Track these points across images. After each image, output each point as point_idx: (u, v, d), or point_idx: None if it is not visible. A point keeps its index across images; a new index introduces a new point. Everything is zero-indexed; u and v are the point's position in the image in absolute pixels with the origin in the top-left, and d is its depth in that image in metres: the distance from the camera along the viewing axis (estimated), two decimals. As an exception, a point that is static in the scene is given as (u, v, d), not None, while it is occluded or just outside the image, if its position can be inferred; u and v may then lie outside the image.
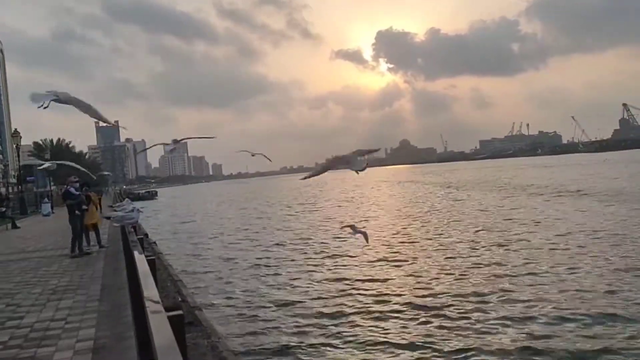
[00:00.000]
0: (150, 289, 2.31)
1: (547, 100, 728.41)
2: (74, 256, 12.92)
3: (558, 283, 13.25)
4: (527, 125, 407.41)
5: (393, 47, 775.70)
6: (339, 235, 25.13)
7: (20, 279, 10.42)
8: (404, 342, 9.88)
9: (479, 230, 23.90)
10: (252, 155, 7.00)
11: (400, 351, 9.47)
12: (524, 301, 11.83)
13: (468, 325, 10.51)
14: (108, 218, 4.00)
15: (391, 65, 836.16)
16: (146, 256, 3.65)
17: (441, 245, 20.66)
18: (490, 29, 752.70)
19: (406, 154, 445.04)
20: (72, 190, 13.32)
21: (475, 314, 11.14)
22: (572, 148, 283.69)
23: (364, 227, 8.35)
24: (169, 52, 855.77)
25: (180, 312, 1.96)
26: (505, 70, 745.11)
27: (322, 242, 24.05)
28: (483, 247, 19.26)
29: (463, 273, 15.18)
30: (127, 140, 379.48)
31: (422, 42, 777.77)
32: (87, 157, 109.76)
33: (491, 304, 11.83)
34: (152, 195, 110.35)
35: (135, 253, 3.71)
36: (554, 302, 11.55)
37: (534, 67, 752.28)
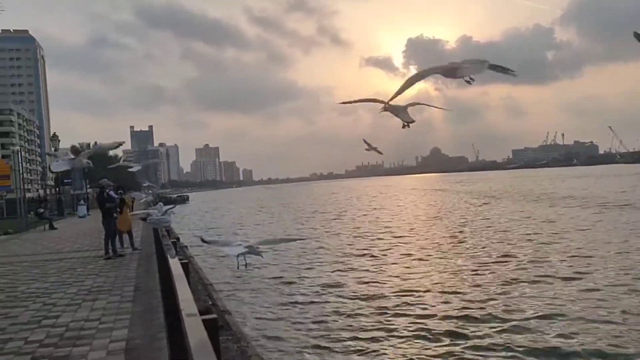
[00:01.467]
0: (184, 292, 2.34)
1: (583, 109, 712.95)
2: (107, 258, 13.21)
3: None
4: (562, 134, 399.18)
5: (424, 54, 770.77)
6: (373, 244, 25.05)
7: (56, 278, 10.70)
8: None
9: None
10: (367, 150, 6.42)
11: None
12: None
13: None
14: (144, 219, 4.04)
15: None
16: (179, 259, 3.70)
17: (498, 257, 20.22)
18: (524, 37, 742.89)
19: (437, 162, 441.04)
20: (112, 193, 13.71)
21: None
22: (609, 159, 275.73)
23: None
24: (200, 58, 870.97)
25: (214, 315, 1.97)
26: (540, 78, 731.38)
27: (355, 248, 23.95)
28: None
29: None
30: (160, 144, 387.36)
31: (453, 50, 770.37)
32: (121, 161, 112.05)
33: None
34: (183, 200, 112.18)
35: (169, 256, 3.76)
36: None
37: (569, 76, 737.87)
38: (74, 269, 11.96)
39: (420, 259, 20.03)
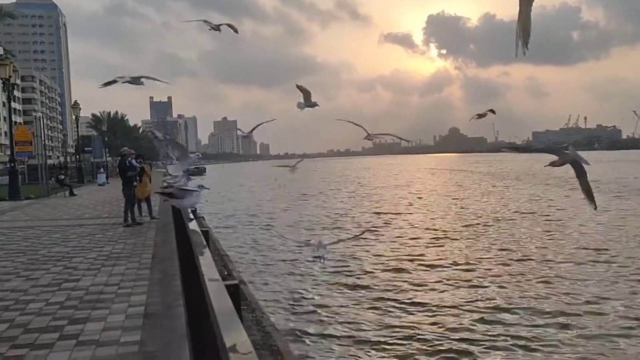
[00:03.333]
0: (206, 258, 2.34)
1: (607, 92, 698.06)
2: (126, 225, 13.41)
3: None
4: (585, 118, 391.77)
5: (444, 32, 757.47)
6: (390, 220, 25.04)
7: (76, 243, 10.91)
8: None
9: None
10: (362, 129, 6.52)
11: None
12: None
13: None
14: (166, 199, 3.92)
15: (442, 51, 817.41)
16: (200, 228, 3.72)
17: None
18: (550, 16, 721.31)
19: (455, 142, 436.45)
20: (134, 162, 13.85)
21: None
22: (632, 144, 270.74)
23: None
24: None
25: (236, 281, 1.97)
26: (564, 59, 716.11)
27: (374, 225, 23.91)
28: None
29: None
30: (179, 116, 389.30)
31: (475, 28, 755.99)
32: (140, 130, 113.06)
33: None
34: (200, 172, 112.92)
35: (191, 223, 3.77)
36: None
37: (595, 57, 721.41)
38: (94, 235, 12.17)
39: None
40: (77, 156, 49.55)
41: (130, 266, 8.36)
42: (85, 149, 55.77)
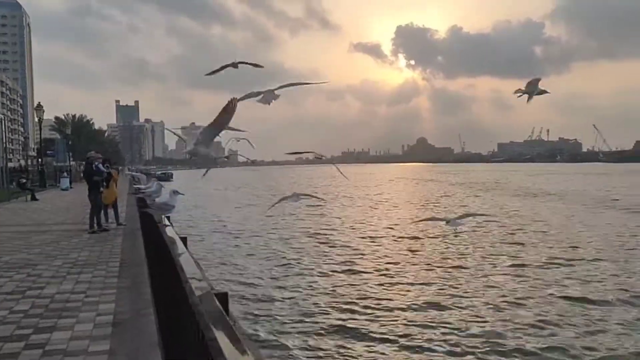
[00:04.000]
0: (190, 266, 2.32)
1: (569, 106, 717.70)
2: (92, 232, 13.09)
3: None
4: (547, 130, 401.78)
5: (413, 43, 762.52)
6: (358, 231, 25.18)
7: (40, 250, 10.60)
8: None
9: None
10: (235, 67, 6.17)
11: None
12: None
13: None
14: (145, 207, 3.80)
15: (410, 62, 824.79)
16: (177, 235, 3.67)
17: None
18: (515, 30, 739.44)
19: (423, 152, 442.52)
20: (101, 166, 13.54)
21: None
22: (592, 157, 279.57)
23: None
24: (186, 34, 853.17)
25: (225, 291, 1.96)
26: (528, 73, 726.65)
27: (338, 237, 24.05)
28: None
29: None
30: (146, 120, 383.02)
31: (443, 40, 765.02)
32: (106, 135, 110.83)
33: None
34: (167, 177, 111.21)
35: (169, 229, 3.72)
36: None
37: (556, 72, 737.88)
38: (58, 241, 11.84)
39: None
40: (39, 159, 48.13)
41: (97, 274, 8.16)
42: (48, 152, 54.28)
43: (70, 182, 37.97)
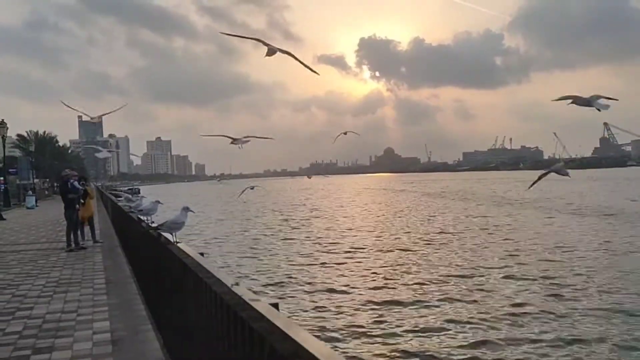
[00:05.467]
0: (230, 279, 2.42)
1: (529, 115, 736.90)
2: (70, 250, 12.86)
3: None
4: (510, 139, 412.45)
5: (376, 54, 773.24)
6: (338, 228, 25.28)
7: (19, 270, 10.37)
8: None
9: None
10: (234, 142, 6.49)
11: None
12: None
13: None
14: (157, 228, 3.80)
15: (374, 73, 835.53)
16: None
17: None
18: (475, 41, 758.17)
19: (390, 162, 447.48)
20: (76, 184, 13.34)
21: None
22: (553, 163, 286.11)
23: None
24: (148, 47, 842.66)
25: (276, 301, 2.07)
26: (489, 83, 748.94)
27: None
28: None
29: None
30: (110, 135, 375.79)
31: (405, 51, 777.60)
32: (70, 151, 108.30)
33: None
34: (134, 192, 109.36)
35: (182, 244, 3.79)
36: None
37: (516, 81, 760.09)
38: (36, 260, 11.59)
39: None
40: (2, 178, 46.67)
41: (84, 292, 8.06)
42: (10, 170, 52.69)
43: (36, 200, 37.01)
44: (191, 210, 4.14)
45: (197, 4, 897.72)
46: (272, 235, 28.83)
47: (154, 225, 5.82)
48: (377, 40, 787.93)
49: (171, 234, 4.07)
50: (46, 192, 59.30)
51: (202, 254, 3.40)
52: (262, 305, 1.92)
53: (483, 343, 9.92)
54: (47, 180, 67.67)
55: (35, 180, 58.31)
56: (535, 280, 15.17)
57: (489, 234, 26.18)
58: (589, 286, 14.20)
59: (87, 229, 14.62)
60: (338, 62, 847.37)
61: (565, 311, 11.88)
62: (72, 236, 13.18)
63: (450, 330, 10.75)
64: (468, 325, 10.98)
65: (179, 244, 3.85)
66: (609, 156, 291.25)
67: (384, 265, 18.31)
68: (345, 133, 9.43)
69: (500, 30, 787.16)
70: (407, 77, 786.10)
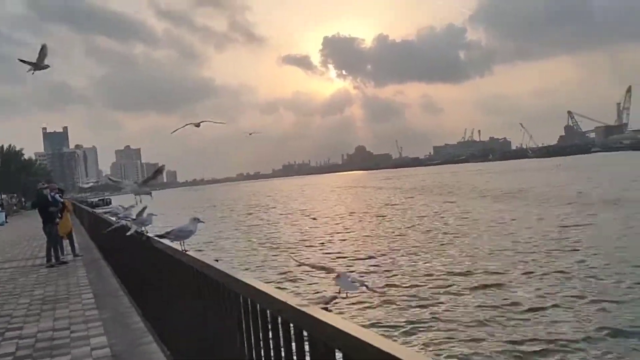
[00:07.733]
0: (260, 285, 2.35)
1: (495, 106, 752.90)
2: (50, 265, 12.49)
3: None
4: (479, 131, 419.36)
5: (341, 53, 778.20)
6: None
7: (1, 289, 10.00)
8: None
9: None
10: (197, 126, 6.96)
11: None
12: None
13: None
14: (162, 236, 3.71)
15: (340, 71, 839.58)
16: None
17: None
18: (438, 36, 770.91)
19: (362, 160, 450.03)
20: (57, 197, 12.96)
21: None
22: (521, 153, 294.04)
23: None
24: (107, 55, 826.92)
25: (328, 305, 2.02)
26: (453, 77, 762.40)
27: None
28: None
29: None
30: (77, 146, 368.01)
31: (370, 48, 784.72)
32: (37, 164, 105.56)
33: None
34: (105, 203, 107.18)
35: (192, 252, 3.69)
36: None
37: (479, 74, 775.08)
38: (16, 278, 11.23)
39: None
40: (-32, 195, 45.23)
41: (73, 308, 7.82)
42: (-24, 186, 51.12)
43: (6, 217, 35.96)
44: (201, 221, 4.04)
45: (155, 8, 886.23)
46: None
47: (148, 234, 5.68)
48: (341, 38, 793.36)
49: (180, 242, 3.95)
50: (14, 208, 57.68)
51: (217, 260, 3.32)
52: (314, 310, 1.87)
53: (487, 341, 9.95)
54: (15, 195, 65.82)
55: (3, 196, 56.72)
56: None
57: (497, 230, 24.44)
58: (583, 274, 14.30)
59: (66, 242, 14.26)
60: (303, 62, 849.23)
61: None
62: (52, 251, 12.81)
63: (451, 330, 10.79)
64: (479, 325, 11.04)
65: (188, 252, 3.74)
66: (573, 144, 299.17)
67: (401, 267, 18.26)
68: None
69: (463, 24, 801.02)
70: (373, 75, 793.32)
